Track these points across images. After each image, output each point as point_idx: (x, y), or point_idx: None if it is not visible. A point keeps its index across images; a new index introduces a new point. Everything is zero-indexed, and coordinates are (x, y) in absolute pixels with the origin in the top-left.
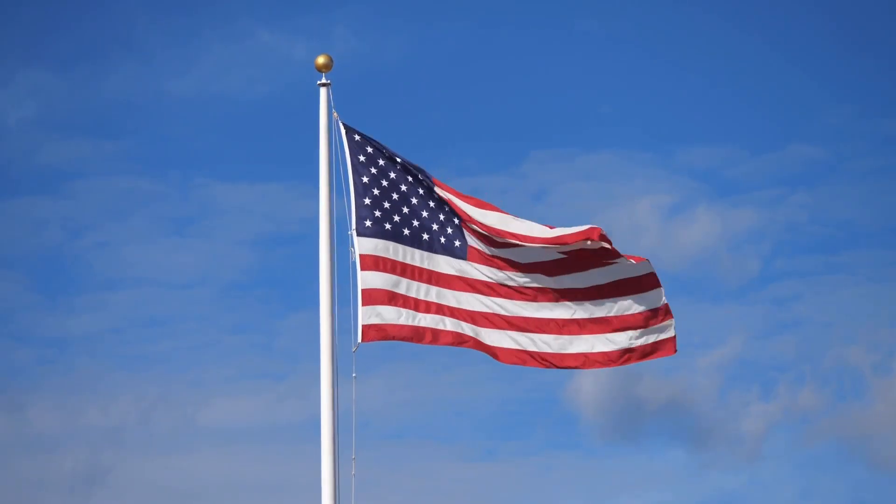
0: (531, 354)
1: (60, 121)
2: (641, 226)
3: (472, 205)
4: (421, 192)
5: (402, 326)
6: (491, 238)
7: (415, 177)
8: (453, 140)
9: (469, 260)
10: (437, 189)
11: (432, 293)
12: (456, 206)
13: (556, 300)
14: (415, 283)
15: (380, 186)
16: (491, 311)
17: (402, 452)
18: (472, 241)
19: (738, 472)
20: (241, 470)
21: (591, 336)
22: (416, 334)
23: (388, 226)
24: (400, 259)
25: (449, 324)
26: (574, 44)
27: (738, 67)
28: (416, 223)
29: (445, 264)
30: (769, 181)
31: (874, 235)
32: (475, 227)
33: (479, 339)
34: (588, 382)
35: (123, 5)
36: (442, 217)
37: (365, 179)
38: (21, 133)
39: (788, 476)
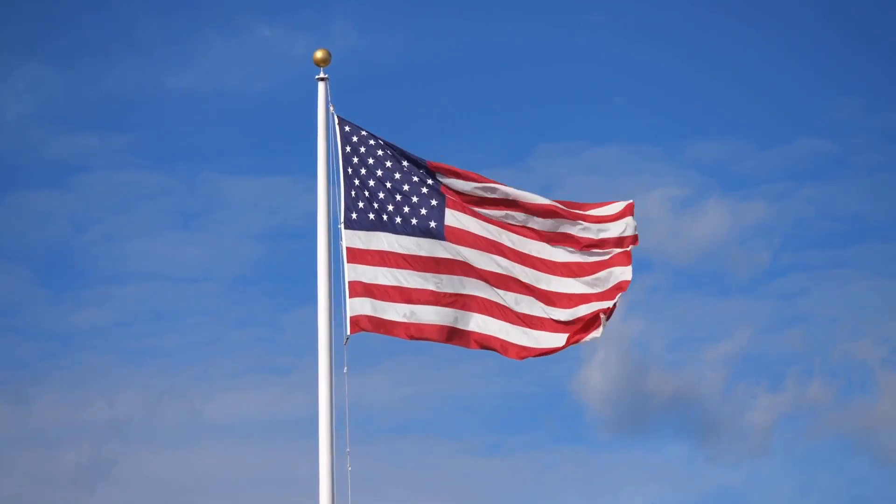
0: (501, 342)
1: (60, 115)
2: (650, 220)
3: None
4: (400, 174)
5: (386, 321)
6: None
7: (398, 158)
8: (460, 134)
9: (448, 240)
10: (421, 170)
11: (416, 280)
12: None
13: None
14: (398, 272)
15: (362, 176)
16: (468, 294)
17: (407, 447)
18: (451, 220)
19: (742, 467)
20: (246, 464)
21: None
22: (399, 329)
23: (371, 216)
24: (383, 248)
25: (432, 315)
26: (582, 37)
27: (746, 62)
28: (390, 207)
29: (415, 245)
30: (777, 175)
31: (882, 229)
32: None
33: (458, 327)
34: (595, 376)
35: (123, 1)
36: (415, 199)
37: (350, 170)
38: (21, 128)
39: (792, 470)
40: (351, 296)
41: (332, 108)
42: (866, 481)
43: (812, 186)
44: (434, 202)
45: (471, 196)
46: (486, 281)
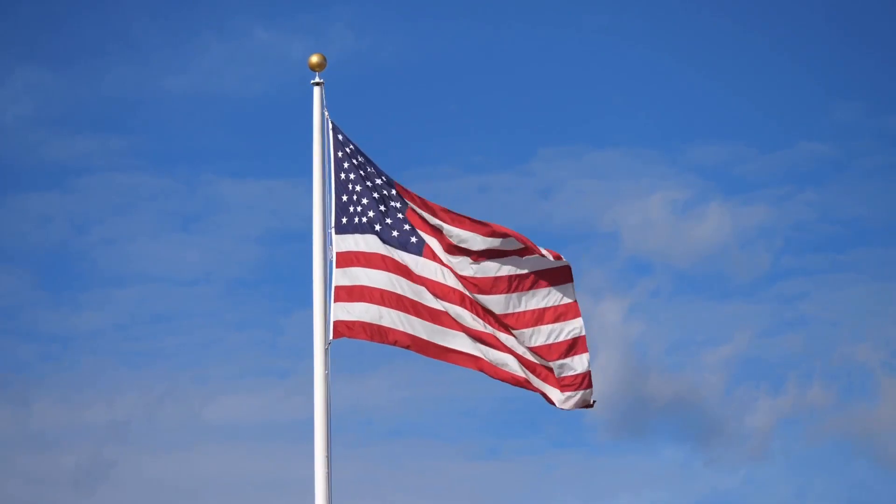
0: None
1: (59, 118)
2: (651, 223)
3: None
4: (383, 187)
5: (368, 325)
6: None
7: (380, 175)
8: (460, 137)
9: (424, 257)
10: (395, 191)
11: (400, 288)
12: (416, 210)
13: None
14: (386, 275)
15: (352, 181)
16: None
17: (405, 450)
18: (428, 239)
19: (740, 471)
20: (244, 466)
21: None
22: (380, 334)
23: (361, 220)
24: (372, 251)
25: (413, 325)
26: (582, 40)
27: (747, 65)
28: (373, 215)
29: (403, 258)
30: (778, 179)
31: (882, 233)
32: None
33: (438, 343)
34: (594, 380)
35: (121, 3)
36: (400, 215)
37: (343, 175)
38: (19, 130)
39: (791, 474)
40: (335, 300)
41: (326, 114)
42: (865, 485)
43: (813, 190)
44: (407, 227)
45: (433, 227)
46: (461, 302)
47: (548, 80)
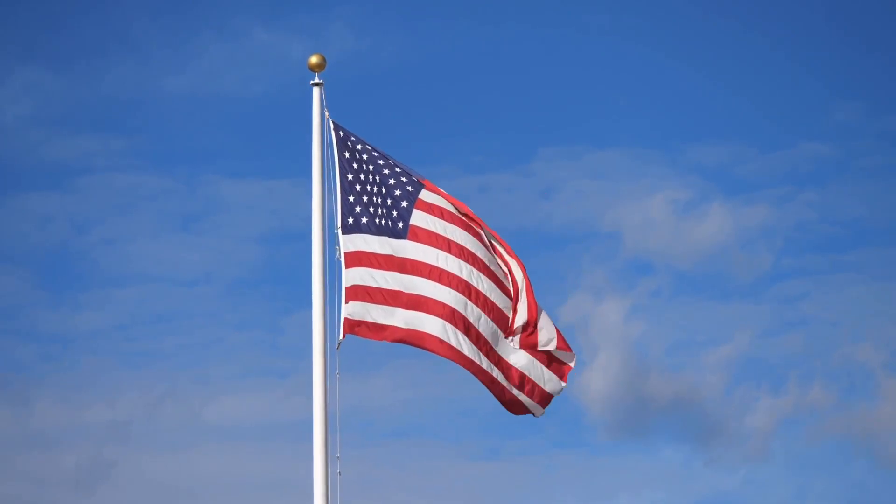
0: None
1: (58, 118)
2: (652, 223)
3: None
4: (381, 176)
5: (381, 325)
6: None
7: (382, 163)
8: (460, 137)
9: (409, 239)
10: (402, 175)
11: (410, 285)
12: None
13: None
14: (393, 275)
15: (361, 181)
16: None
17: (406, 451)
18: (417, 220)
19: (740, 471)
20: (244, 466)
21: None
22: (392, 334)
23: (367, 220)
24: (379, 251)
25: (420, 322)
26: (582, 40)
27: (747, 65)
28: (382, 211)
29: (410, 248)
30: (778, 179)
31: (883, 233)
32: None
33: (440, 338)
34: (595, 379)
35: (121, 3)
36: (390, 201)
37: (350, 176)
38: (18, 130)
39: (791, 474)
40: (346, 300)
41: (327, 114)
42: (865, 485)
43: (813, 190)
44: (404, 203)
45: (451, 213)
46: (450, 285)
47: (548, 80)
